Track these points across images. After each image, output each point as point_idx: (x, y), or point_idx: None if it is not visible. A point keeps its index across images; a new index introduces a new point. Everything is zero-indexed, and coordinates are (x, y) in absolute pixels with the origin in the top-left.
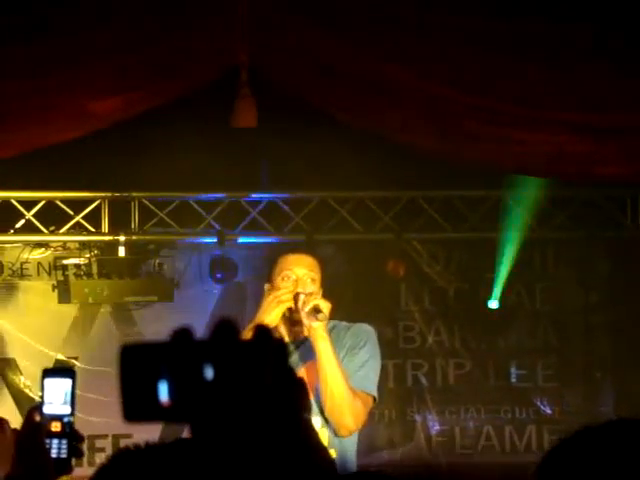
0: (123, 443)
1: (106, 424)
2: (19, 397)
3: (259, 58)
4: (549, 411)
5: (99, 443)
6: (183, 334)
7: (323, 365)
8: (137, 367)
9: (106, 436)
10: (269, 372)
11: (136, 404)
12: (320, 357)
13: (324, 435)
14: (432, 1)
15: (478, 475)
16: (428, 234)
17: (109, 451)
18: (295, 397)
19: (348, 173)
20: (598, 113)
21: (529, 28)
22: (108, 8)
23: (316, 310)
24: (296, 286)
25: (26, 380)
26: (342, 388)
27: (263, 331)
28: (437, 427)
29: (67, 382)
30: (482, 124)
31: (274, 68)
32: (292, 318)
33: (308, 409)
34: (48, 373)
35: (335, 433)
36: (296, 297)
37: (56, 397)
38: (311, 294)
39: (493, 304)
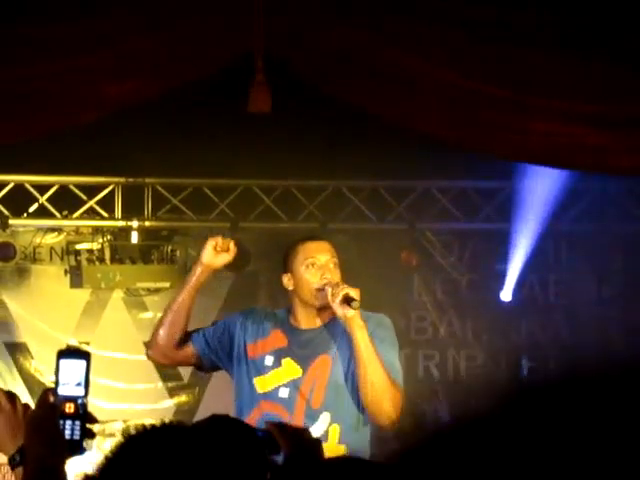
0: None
1: (116, 410)
2: (30, 381)
3: (275, 44)
4: None
5: (109, 429)
6: None
7: (362, 355)
8: None
9: (116, 422)
10: None
11: None
12: (359, 346)
13: (335, 431)
14: None
15: None
16: (441, 225)
17: (119, 437)
18: None
19: (362, 162)
20: (615, 105)
21: (547, 18)
22: None
23: (348, 299)
24: (323, 273)
25: (37, 364)
26: (382, 377)
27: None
28: (448, 418)
29: (82, 364)
30: (499, 114)
31: (290, 55)
32: (311, 305)
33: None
34: (63, 354)
35: (377, 425)
36: (323, 290)
37: (70, 378)
38: (337, 284)
39: (505, 296)
